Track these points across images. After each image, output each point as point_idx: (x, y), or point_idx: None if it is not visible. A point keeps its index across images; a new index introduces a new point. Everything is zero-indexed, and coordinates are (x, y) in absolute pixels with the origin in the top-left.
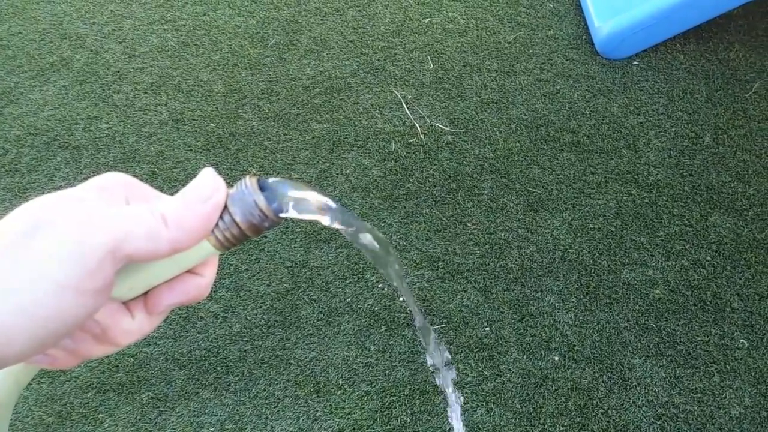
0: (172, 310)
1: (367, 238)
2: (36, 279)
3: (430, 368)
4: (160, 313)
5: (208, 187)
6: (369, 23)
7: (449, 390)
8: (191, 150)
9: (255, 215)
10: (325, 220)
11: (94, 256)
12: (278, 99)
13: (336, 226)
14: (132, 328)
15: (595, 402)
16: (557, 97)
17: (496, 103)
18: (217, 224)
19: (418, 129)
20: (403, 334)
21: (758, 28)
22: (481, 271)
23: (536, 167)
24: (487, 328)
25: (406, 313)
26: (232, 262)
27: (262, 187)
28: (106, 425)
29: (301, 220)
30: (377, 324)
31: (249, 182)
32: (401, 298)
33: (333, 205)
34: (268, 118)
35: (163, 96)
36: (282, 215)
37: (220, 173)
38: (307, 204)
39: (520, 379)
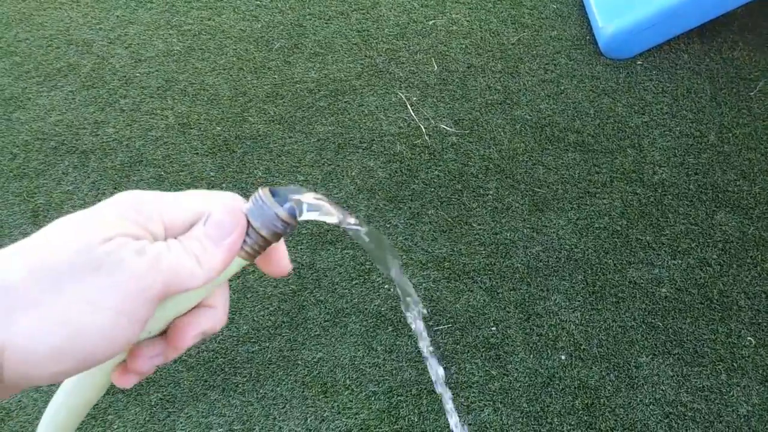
0: None
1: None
2: (99, 307)
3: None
4: (184, 347)
5: (229, 220)
6: (373, 26)
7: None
8: (197, 153)
9: (278, 226)
10: (335, 219)
11: (152, 292)
12: (283, 102)
13: (345, 226)
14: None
15: (602, 401)
16: (561, 98)
17: (500, 103)
18: (244, 241)
19: (423, 130)
20: (409, 335)
21: (762, 26)
22: (487, 271)
23: (541, 167)
24: (494, 328)
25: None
26: None
27: (274, 196)
28: (116, 427)
29: (315, 221)
30: (384, 324)
31: (263, 195)
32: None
33: (340, 209)
34: (273, 121)
35: (169, 100)
36: (300, 218)
37: (226, 176)
38: (318, 205)
39: (527, 378)
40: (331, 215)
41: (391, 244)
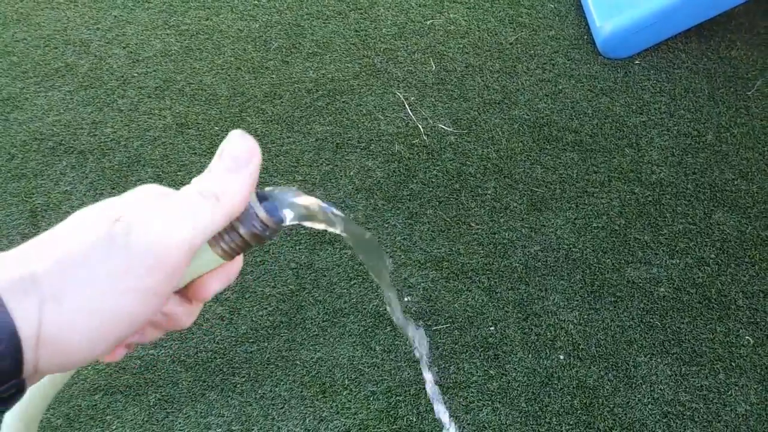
0: None
1: (365, 241)
2: (125, 287)
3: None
4: (205, 300)
5: (244, 151)
6: (371, 26)
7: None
8: (195, 153)
9: (257, 227)
10: (323, 226)
11: (172, 265)
12: (281, 102)
13: (335, 230)
14: (193, 310)
15: (600, 400)
16: (559, 97)
17: (498, 103)
18: (222, 237)
19: (421, 130)
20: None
21: (760, 26)
22: (486, 271)
23: (539, 167)
24: (492, 328)
25: (411, 313)
26: None
27: (261, 197)
28: (114, 427)
29: (302, 225)
30: (382, 324)
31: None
32: (388, 303)
33: (329, 209)
34: (271, 121)
35: (167, 100)
36: (284, 224)
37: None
38: (306, 211)
39: (525, 378)
40: (320, 223)
41: (384, 251)
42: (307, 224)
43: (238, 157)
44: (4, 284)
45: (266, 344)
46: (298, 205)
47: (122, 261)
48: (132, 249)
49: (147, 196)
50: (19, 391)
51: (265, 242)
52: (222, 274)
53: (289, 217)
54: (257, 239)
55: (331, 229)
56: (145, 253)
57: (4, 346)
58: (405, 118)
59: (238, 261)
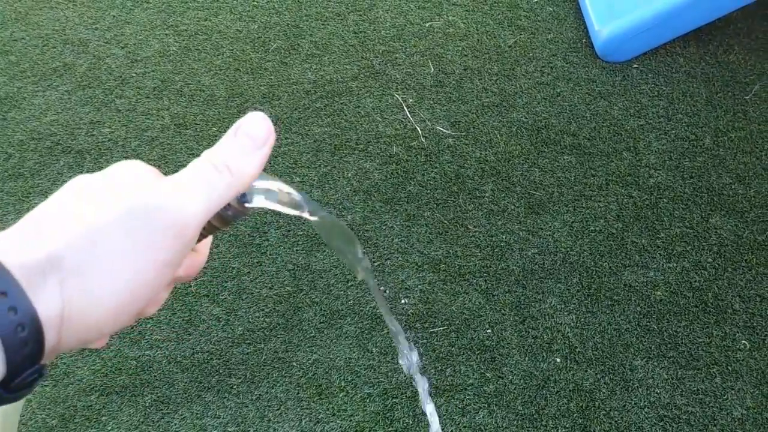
0: (174, 312)
1: (333, 229)
2: (148, 260)
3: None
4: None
5: (263, 131)
6: (370, 27)
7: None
8: (193, 154)
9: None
10: (290, 211)
11: (188, 237)
12: (280, 103)
13: (303, 215)
14: (162, 297)
15: (597, 403)
16: (558, 100)
17: (496, 106)
18: None
19: (419, 132)
20: (405, 336)
21: (757, 30)
22: (483, 274)
23: (537, 170)
24: (489, 330)
25: (408, 315)
26: (234, 266)
27: None
28: (109, 428)
29: (269, 210)
30: (379, 326)
31: None
32: (370, 287)
33: (298, 196)
34: None
35: (165, 100)
36: (248, 205)
37: None
38: (274, 195)
39: (521, 380)
40: (287, 208)
41: (355, 235)
42: (274, 208)
43: (256, 137)
44: (22, 268)
45: (263, 346)
46: (264, 189)
47: (145, 234)
48: (153, 223)
49: (143, 171)
50: (40, 376)
51: (230, 225)
52: (186, 260)
53: (254, 200)
54: (220, 219)
55: (297, 213)
56: (166, 226)
57: (27, 332)
58: (403, 120)
59: (203, 253)
